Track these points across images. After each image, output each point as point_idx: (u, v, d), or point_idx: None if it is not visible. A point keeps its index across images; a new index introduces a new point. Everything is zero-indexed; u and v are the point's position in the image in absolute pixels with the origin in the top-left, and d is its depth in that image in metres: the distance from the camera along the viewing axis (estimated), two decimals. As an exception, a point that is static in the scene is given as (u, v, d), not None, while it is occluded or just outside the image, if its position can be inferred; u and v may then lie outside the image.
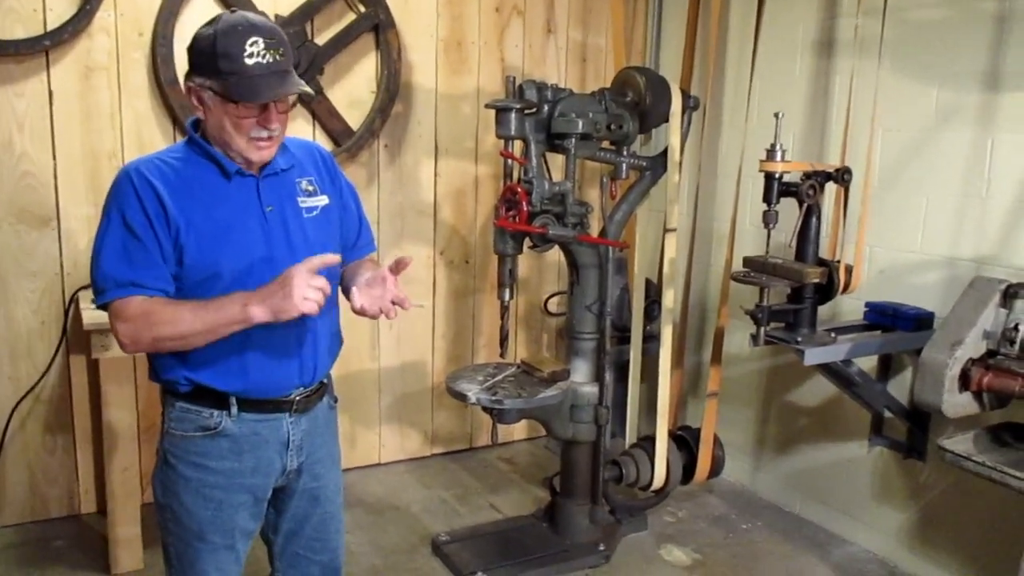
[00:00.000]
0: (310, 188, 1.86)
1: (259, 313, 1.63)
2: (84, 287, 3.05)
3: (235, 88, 1.65)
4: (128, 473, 2.87)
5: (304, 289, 1.61)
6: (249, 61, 1.65)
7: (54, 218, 3.07)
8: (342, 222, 1.95)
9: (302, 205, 1.83)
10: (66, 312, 3.11)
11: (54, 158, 3.04)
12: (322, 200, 1.87)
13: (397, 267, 1.80)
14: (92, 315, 2.76)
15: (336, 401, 2.03)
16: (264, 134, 1.71)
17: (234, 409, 1.78)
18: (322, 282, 1.64)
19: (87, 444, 3.24)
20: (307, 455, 1.91)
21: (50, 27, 2.93)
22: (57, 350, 3.12)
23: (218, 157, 1.75)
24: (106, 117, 3.09)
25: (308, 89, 1.73)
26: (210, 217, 1.72)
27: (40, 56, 2.95)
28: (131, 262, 1.68)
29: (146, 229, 1.67)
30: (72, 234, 3.10)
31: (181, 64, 3.06)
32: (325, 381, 1.96)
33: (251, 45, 1.65)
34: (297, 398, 1.85)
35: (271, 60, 1.66)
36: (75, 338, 3.12)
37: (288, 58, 1.71)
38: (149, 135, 3.16)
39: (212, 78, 1.67)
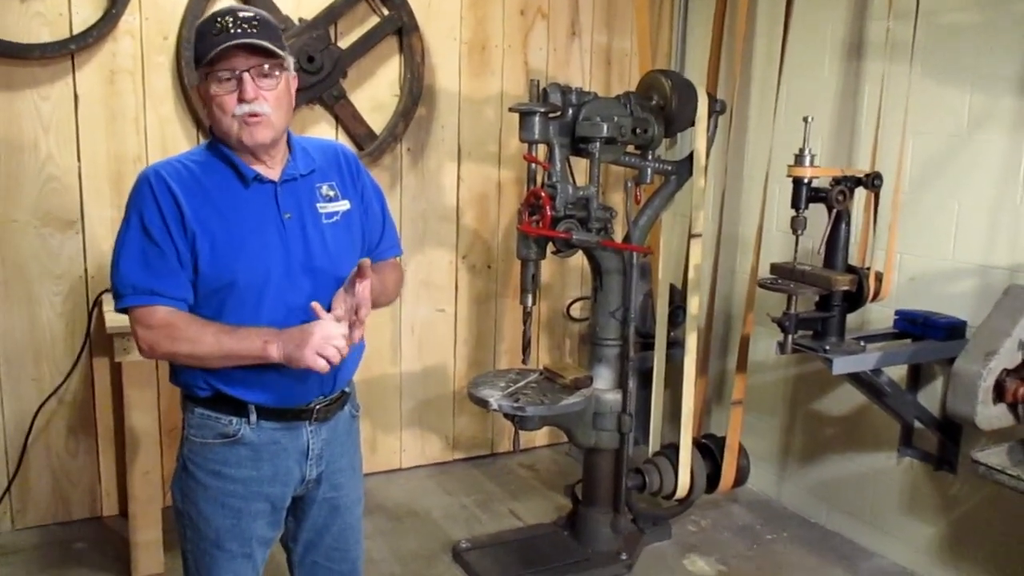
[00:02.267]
0: (331, 193, 1.83)
1: (276, 354, 1.64)
2: (108, 290, 3.03)
3: (203, 58, 1.66)
4: (149, 476, 2.87)
5: (320, 346, 1.61)
6: (216, 32, 1.65)
7: (78, 221, 3.08)
8: (364, 225, 1.91)
9: (322, 211, 1.80)
10: (89, 315, 3.12)
11: (79, 161, 3.05)
12: (343, 205, 1.84)
13: (360, 272, 1.70)
14: (115, 318, 2.76)
15: (359, 410, 2.01)
16: (246, 109, 1.66)
17: (253, 417, 1.77)
18: (341, 343, 1.64)
19: (109, 447, 3.25)
20: (327, 464, 1.89)
21: (76, 31, 2.94)
22: (80, 353, 3.13)
23: (236, 162, 1.73)
24: (130, 121, 3.10)
25: (269, 46, 1.66)
26: (226, 224, 1.70)
27: (66, 59, 2.97)
28: (150, 268, 1.67)
29: (163, 234, 1.67)
30: (96, 237, 3.11)
31: (205, 68, 3.08)
32: (347, 390, 1.94)
33: (221, 20, 1.66)
34: (317, 407, 1.83)
35: (235, 31, 1.64)
36: (98, 341, 3.12)
37: (261, 32, 1.66)
38: (173, 139, 3.16)
39: (197, 66, 1.70)
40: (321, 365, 1.63)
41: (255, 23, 1.67)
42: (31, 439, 3.13)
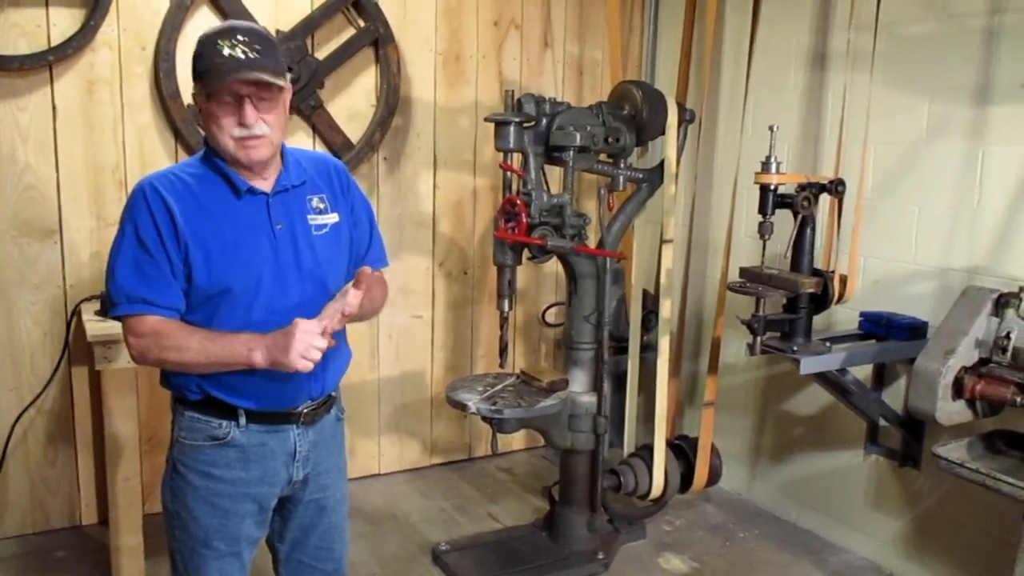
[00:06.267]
0: (321, 205, 1.87)
1: (260, 360, 1.68)
2: (86, 299, 3.07)
3: (206, 82, 1.69)
4: (130, 483, 2.88)
5: (304, 348, 1.65)
6: (220, 57, 1.67)
7: (57, 230, 3.10)
8: (352, 237, 1.95)
9: (312, 223, 1.85)
10: (68, 324, 3.13)
11: (57, 171, 3.07)
12: (332, 218, 1.89)
13: (357, 280, 1.75)
14: (95, 327, 2.79)
15: (344, 412, 2.06)
16: (244, 132, 1.70)
17: (242, 420, 1.81)
18: (322, 343, 1.67)
19: (88, 455, 3.26)
20: (313, 466, 1.93)
21: (54, 42, 2.96)
22: (59, 362, 3.14)
23: (229, 174, 1.77)
24: (108, 131, 3.12)
25: (272, 79, 1.69)
26: (219, 235, 1.74)
27: (44, 70, 2.98)
28: (143, 278, 1.71)
29: (157, 244, 1.71)
30: (74, 246, 3.13)
31: (183, 78, 3.10)
32: (333, 394, 1.98)
33: (223, 42, 1.68)
34: (305, 410, 1.88)
35: (241, 55, 1.67)
36: (77, 350, 3.14)
37: (265, 56, 1.70)
38: (151, 148, 3.19)
39: (197, 81, 1.72)
40: (305, 366, 1.67)
41: (256, 47, 1.69)
42: (9, 448, 3.13)
